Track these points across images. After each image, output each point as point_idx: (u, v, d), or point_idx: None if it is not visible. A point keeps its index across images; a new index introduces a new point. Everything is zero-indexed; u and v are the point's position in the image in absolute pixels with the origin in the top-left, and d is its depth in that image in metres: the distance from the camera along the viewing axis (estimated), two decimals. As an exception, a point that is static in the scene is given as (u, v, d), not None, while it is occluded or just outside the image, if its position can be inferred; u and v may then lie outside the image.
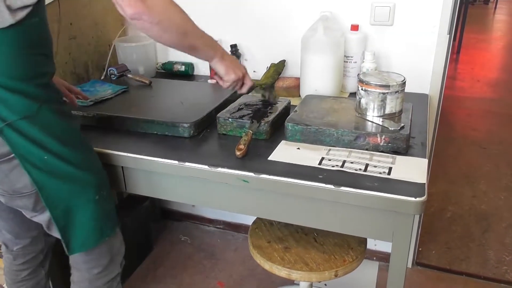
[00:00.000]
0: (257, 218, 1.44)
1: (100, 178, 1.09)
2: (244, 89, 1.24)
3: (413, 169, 1.03)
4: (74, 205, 1.03)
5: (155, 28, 0.95)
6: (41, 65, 0.96)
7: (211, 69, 1.74)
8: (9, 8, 0.86)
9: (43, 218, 1.06)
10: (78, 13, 1.60)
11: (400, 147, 1.10)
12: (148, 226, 2.04)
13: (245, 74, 1.21)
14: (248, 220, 2.07)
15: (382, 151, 1.11)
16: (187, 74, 1.80)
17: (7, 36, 0.87)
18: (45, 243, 1.32)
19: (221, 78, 1.20)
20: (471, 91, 4.34)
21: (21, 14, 0.88)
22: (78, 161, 1.01)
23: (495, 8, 8.84)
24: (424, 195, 0.92)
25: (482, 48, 6.07)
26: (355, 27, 1.52)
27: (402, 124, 1.14)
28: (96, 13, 1.66)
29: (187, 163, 1.09)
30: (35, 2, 0.89)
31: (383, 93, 1.16)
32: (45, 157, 0.96)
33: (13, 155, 0.94)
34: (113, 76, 1.64)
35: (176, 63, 1.82)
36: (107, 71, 1.67)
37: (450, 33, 1.48)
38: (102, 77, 1.69)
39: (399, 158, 1.08)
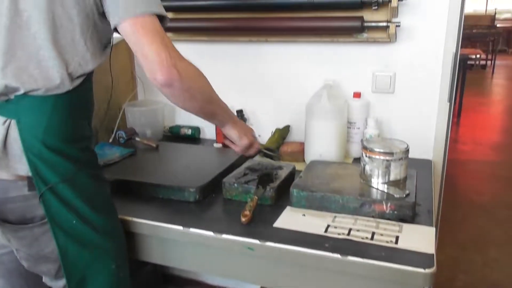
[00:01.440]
0: (261, 287, 1.40)
1: (119, 245, 1.07)
2: (252, 152, 1.29)
3: (420, 238, 1.02)
4: (90, 274, 1.00)
5: (184, 95, 0.98)
6: (85, 128, 1.00)
7: (217, 133, 1.77)
8: (70, 75, 0.91)
9: (58, 285, 1.04)
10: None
11: (406, 214, 1.10)
12: (149, 292, 1.98)
13: (254, 138, 1.27)
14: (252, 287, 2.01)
15: (388, 219, 1.10)
16: (194, 137, 1.84)
17: (62, 100, 0.92)
18: None
19: (232, 142, 1.24)
20: (474, 154, 4.36)
21: (78, 81, 0.93)
22: (103, 227, 1.00)
23: (493, 72, 9.10)
24: (433, 266, 0.90)
25: (482, 111, 6.17)
26: (357, 95, 1.56)
27: (408, 191, 1.14)
28: (108, 79, 1.72)
29: (191, 229, 1.08)
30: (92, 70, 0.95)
31: (387, 160, 1.17)
32: (74, 222, 0.95)
33: (46, 219, 0.94)
34: (121, 139, 1.67)
35: (183, 127, 1.86)
36: (116, 134, 1.71)
37: (450, 100, 1.52)
38: (111, 140, 1.72)
39: (406, 226, 1.07)
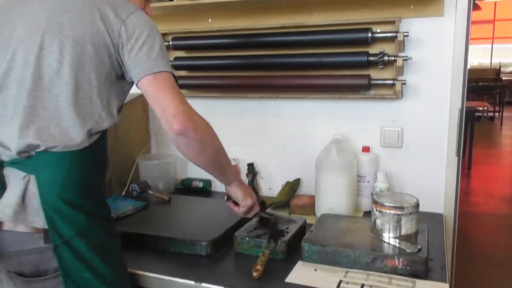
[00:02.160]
0: None
1: None
2: (251, 215, 1.31)
3: (434, 294, 1.01)
4: None
5: (196, 145, 1.03)
6: (99, 182, 1.04)
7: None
8: (87, 133, 0.97)
9: None
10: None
11: (419, 270, 1.09)
12: None
13: (255, 200, 1.30)
14: None
15: (400, 274, 1.10)
16: (205, 190, 1.86)
17: (79, 156, 0.96)
18: None
19: (235, 204, 1.28)
20: (487, 207, 4.30)
21: (94, 138, 0.99)
22: (113, 280, 1.01)
23: (501, 124, 9.15)
24: (448, 324, 0.89)
25: (493, 163, 6.15)
26: (366, 149, 1.59)
27: (419, 246, 1.14)
28: (122, 134, 1.78)
29: (203, 284, 1.08)
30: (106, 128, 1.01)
31: (398, 215, 1.18)
32: (86, 275, 0.96)
33: (59, 271, 0.96)
34: (134, 192, 1.70)
35: (194, 179, 1.89)
36: (129, 187, 1.74)
37: (458, 155, 1.54)
38: (123, 193, 1.75)
39: (419, 282, 1.06)
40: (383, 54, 1.51)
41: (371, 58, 1.52)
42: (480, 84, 9.16)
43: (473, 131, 5.46)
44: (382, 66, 1.53)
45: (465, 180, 5.13)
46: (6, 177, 0.97)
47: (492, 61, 12.47)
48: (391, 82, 1.52)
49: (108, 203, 1.08)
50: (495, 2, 11.78)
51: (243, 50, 1.73)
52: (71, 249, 0.95)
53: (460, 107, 1.52)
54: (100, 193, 1.04)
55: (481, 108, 8.48)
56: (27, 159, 0.96)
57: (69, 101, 0.95)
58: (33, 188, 0.95)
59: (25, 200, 0.95)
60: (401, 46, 1.51)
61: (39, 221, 0.95)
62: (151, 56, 0.99)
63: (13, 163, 0.97)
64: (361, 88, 1.57)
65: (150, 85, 0.99)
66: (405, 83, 1.52)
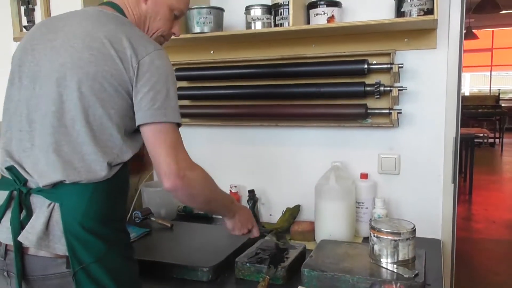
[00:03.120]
0: None
1: None
2: (251, 236, 1.38)
3: (431, 319, 1.03)
4: None
5: (184, 199, 1.09)
6: (119, 210, 1.07)
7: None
8: (109, 165, 1.00)
9: None
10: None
11: (416, 295, 1.12)
12: None
13: (252, 228, 1.36)
14: None
15: (398, 299, 1.12)
16: (206, 216, 1.89)
17: (100, 187, 1.00)
18: None
19: None
20: (488, 233, 4.29)
21: (116, 169, 1.02)
22: None
23: (502, 150, 9.18)
24: None
25: (494, 189, 6.15)
26: (364, 176, 1.63)
27: (416, 272, 1.16)
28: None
29: (205, 310, 1.11)
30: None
31: (395, 240, 1.21)
32: None
33: None
34: (137, 219, 1.73)
35: (196, 206, 1.92)
36: (131, 214, 1.77)
37: (454, 181, 1.58)
38: (127, 220, 1.78)
39: (416, 307, 1.08)
40: (379, 84, 1.57)
41: (368, 88, 1.58)
42: (480, 111, 9.25)
43: (473, 157, 5.49)
44: (378, 96, 1.58)
45: (466, 206, 5.13)
46: (32, 204, 1.01)
47: (492, 88, 12.62)
48: (387, 111, 1.58)
49: (127, 229, 1.11)
50: (493, 31, 12.03)
51: (243, 81, 1.80)
52: (89, 275, 0.97)
53: (454, 136, 1.57)
54: (119, 220, 1.07)
55: (481, 135, 8.54)
56: (53, 188, 1.00)
57: (89, 137, 0.99)
58: (57, 216, 0.98)
59: (49, 227, 0.98)
60: (396, 77, 1.57)
61: (61, 247, 0.98)
62: (155, 104, 1.00)
63: (40, 191, 1.00)
64: (359, 117, 1.62)
65: (148, 135, 1.02)
66: (400, 112, 1.58)
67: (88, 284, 0.97)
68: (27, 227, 0.98)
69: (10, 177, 1.04)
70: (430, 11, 1.41)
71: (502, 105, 9.95)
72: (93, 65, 0.99)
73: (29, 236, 0.97)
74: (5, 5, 2.29)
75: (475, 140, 9.48)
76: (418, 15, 1.44)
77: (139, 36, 1.05)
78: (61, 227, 0.97)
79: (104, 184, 1.00)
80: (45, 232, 0.97)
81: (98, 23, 1.04)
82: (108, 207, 1.02)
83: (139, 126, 1.02)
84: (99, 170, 0.99)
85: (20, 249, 0.99)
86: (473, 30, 8.33)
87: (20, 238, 0.97)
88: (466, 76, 14.68)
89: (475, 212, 4.95)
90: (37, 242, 0.96)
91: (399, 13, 1.48)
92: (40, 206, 0.99)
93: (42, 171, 0.99)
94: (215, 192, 1.17)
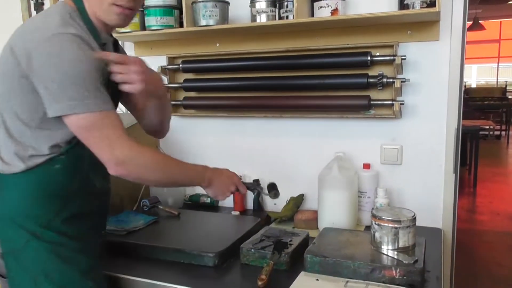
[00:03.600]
0: None
1: None
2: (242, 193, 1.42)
3: (428, 303, 1.06)
4: None
5: (135, 180, 1.11)
6: (50, 206, 1.08)
7: (235, 201, 1.88)
8: (23, 157, 1.05)
9: None
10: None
11: (415, 280, 1.15)
12: None
13: (237, 186, 1.34)
14: None
15: (398, 284, 1.16)
16: (213, 205, 1.94)
17: (21, 178, 1.05)
18: None
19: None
20: (492, 225, 4.31)
21: (35, 162, 1.05)
22: None
23: (508, 143, 9.15)
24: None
25: (499, 181, 6.16)
26: (367, 166, 1.67)
27: (416, 258, 1.20)
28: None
29: (211, 293, 1.15)
30: (61, 152, 1.06)
31: (396, 228, 1.25)
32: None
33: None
34: (145, 207, 1.78)
35: (202, 195, 1.96)
36: (140, 202, 1.82)
37: (455, 171, 1.61)
38: (135, 208, 1.83)
39: (415, 291, 1.12)
40: (382, 76, 1.60)
41: (371, 80, 1.61)
42: (486, 103, 9.21)
43: (478, 150, 5.50)
44: (381, 88, 1.61)
45: (470, 198, 5.15)
46: None
47: (498, 80, 12.54)
48: (390, 102, 1.61)
49: (66, 230, 1.09)
50: (500, 22, 11.92)
51: (249, 73, 1.83)
52: (16, 260, 1.07)
53: (456, 127, 1.59)
54: (48, 217, 1.07)
55: (487, 127, 8.51)
56: None
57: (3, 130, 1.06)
58: None
59: None
60: (399, 68, 1.59)
61: None
62: (59, 96, 0.97)
63: None
64: (362, 108, 1.65)
65: (73, 128, 1.01)
66: (403, 104, 1.60)
67: (14, 266, 1.06)
68: None
69: None
70: (433, 3, 1.43)
71: (509, 97, 9.90)
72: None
73: None
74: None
75: (481, 133, 9.48)
76: (421, 7, 1.46)
77: (37, 23, 1.03)
78: None
79: (23, 177, 1.05)
80: None
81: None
82: (31, 201, 1.06)
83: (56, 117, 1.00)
84: (16, 162, 1.04)
85: None
86: (480, 21, 8.27)
87: None
88: (473, 67, 14.60)
89: (480, 204, 4.96)
90: None
91: (402, 5, 1.51)
92: None
93: None
94: (171, 171, 1.16)
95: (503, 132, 9.65)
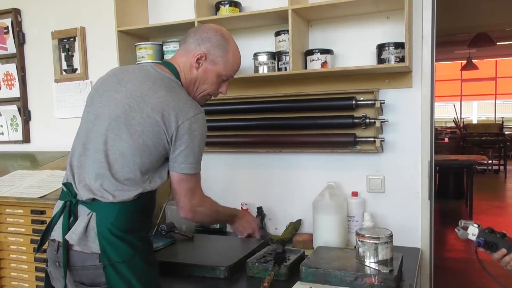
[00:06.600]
0: None
1: None
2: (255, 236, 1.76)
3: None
4: None
5: (194, 221, 1.57)
6: (143, 223, 1.37)
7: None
8: (140, 193, 1.33)
9: None
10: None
11: (391, 286, 1.40)
12: None
13: (254, 231, 1.74)
14: None
15: (377, 290, 1.40)
16: (222, 230, 2.19)
17: (127, 204, 1.31)
18: None
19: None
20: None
21: (143, 194, 1.34)
22: None
23: (505, 177, 9.35)
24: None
25: (496, 214, 6.32)
26: (355, 194, 1.93)
27: (391, 268, 1.45)
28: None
29: (222, 300, 1.40)
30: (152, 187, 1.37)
31: (375, 243, 1.50)
32: None
33: (105, 286, 1.28)
34: (163, 231, 2.03)
35: (212, 222, 2.21)
36: (158, 227, 2.08)
37: (430, 199, 1.87)
38: (154, 232, 2.08)
39: (389, 294, 1.37)
40: (365, 117, 1.89)
41: (356, 121, 1.90)
42: (483, 138, 9.46)
43: (472, 183, 5.71)
44: (365, 127, 1.90)
45: (466, 230, 5.30)
46: (78, 212, 1.33)
47: (497, 116, 12.85)
48: (372, 139, 1.89)
49: (149, 238, 1.40)
50: (496, 61, 12.37)
51: (252, 114, 2.13)
52: (116, 271, 1.27)
53: (429, 159, 1.87)
54: (142, 231, 1.36)
55: (485, 162, 8.72)
56: (92, 201, 1.32)
57: (128, 173, 1.32)
58: (93, 222, 1.30)
59: (87, 231, 1.30)
60: (379, 111, 1.89)
61: (95, 246, 1.29)
62: (188, 160, 1.33)
63: (83, 203, 1.33)
64: (349, 144, 1.93)
65: (176, 180, 1.36)
66: (383, 140, 1.89)
67: (115, 277, 1.26)
68: (72, 229, 1.31)
69: (65, 191, 1.37)
70: (404, 59, 1.74)
71: (506, 132, 10.17)
72: (141, 126, 1.30)
73: (73, 236, 1.29)
74: (48, 51, 2.68)
75: (480, 167, 9.67)
76: (395, 62, 1.77)
77: (184, 101, 1.33)
78: (96, 231, 1.29)
79: (130, 204, 1.31)
80: (84, 234, 1.29)
81: (154, 87, 1.33)
82: (132, 220, 1.32)
83: (170, 171, 1.36)
84: (131, 196, 1.30)
85: (67, 246, 1.31)
86: (475, 60, 8.64)
87: (66, 237, 1.30)
88: (474, 104, 14.99)
89: (475, 236, 5.11)
90: (78, 241, 1.28)
91: (380, 59, 1.81)
92: (83, 214, 1.32)
93: (86, 191, 1.31)
94: (218, 215, 1.60)
95: (502, 167, 9.86)
